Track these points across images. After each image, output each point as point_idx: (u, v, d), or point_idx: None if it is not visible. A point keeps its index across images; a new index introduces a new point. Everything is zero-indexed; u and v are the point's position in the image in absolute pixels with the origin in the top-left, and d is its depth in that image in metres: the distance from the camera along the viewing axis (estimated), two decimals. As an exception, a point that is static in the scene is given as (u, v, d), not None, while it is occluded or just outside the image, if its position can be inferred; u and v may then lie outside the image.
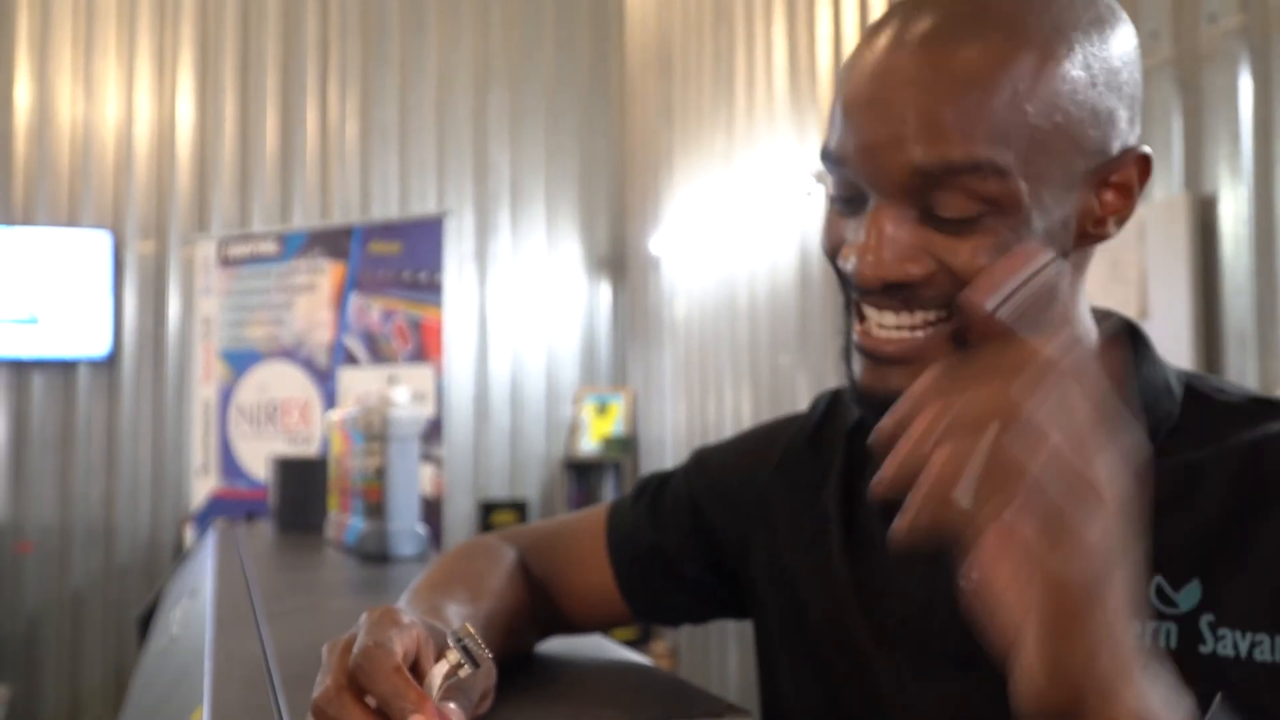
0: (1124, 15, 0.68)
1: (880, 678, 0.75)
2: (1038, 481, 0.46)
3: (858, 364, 0.69)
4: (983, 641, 0.69)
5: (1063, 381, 0.48)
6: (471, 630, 0.61)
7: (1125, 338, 0.73)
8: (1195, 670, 0.63)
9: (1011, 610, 0.47)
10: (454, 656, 0.60)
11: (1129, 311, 2.08)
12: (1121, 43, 0.66)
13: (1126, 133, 0.66)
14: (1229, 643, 0.63)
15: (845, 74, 0.68)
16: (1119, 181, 0.67)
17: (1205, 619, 0.64)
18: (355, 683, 0.59)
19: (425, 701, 0.57)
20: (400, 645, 0.60)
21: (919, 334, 0.65)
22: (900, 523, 0.48)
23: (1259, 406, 0.70)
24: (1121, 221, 0.68)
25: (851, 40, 3.27)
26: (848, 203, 0.68)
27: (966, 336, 0.53)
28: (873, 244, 0.64)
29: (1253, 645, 0.62)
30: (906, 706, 0.73)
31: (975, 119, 0.61)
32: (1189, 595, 0.65)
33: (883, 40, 0.65)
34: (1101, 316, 0.75)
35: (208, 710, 0.72)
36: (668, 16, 4.73)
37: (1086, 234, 0.67)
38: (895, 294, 0.65)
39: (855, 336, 0.68)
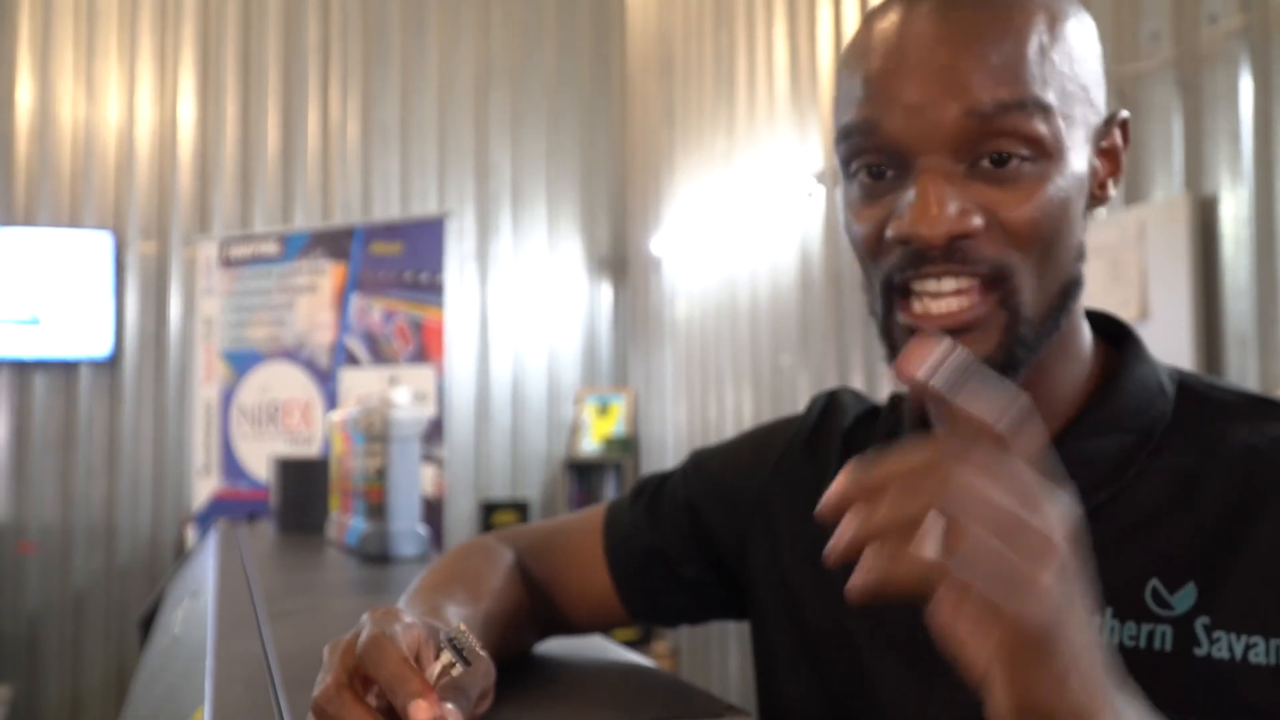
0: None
1: (879, 679, 0.75)
2: (983, 534, 0.47)
3: None
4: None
5: (1001, 443, 0.50)
6: (464, 629, 0.61)
7: (1118, 339, 0.74)
8: (1191, 673, 0.63)
9: (975, 658, 0.48)
10: (446, 656, 0.60)
11: (1129, 312, 2.08)
12: (1090, 25, 0.71)
13: (1104, 105, 0.71)
14: (1224, 645, 0.63)
15: (858, 51, 0.68)
16: (1109, 147, 0.70)
17: (1200, 621, 0.64)
18: (357, 681, 0.59)
19: (429, 689, 0.57)
20: (404, 639, 0.60)
21: (976, 299, 0.65)
22: (856, 580, 0.50)
23: (1255, 405, 0.70)
24: (1116, 183, 0.71)
25: (852, 41, 3.27)
26: (878, 176, 0.67)
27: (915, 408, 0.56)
28: (932, 200, 0.64)
29: (1247, 648, 0.62)
30: (905, 707, 0.73)
31: (1017, 61, 0.64)
32: (1185, 598, 0.65)
33: (894, 17, 0.67)
34: (1095, 317, 0.76)
35: (209, 710, 0.72)
36: (669, 17, 4.73)
37: (1094, 196, 0.70)
38: (953, 253, 0.64)
39: (904, 320, 0.67)
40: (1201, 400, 0.71)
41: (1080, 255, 0.69)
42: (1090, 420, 0.70)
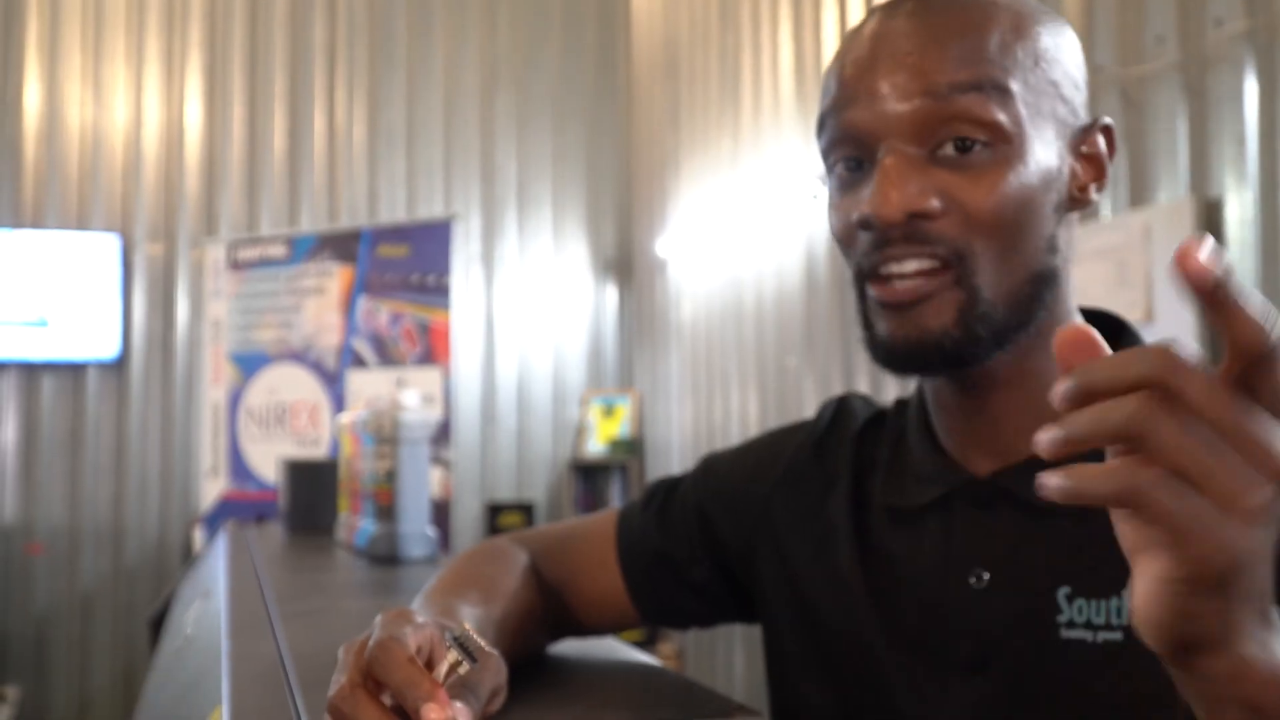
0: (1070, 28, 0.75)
1: (895, 682, 0.76)
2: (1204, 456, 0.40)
3: (881, 323, 0.71)
4: (998, 643, 0.70)
5: (1267, 358, 0.42)
6: (469, 629, 0.62)
7: (1115, 333, 0.76)
8: None
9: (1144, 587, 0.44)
10: (453, 654, 0.61)
11: (1135, 315, 2.09)
12: (1071, 41, 0.73)
13: (1085, 111, 0.73)
14: None
15: (837, 56, 0.74)
16: (1091, 153, 0.72)
17: None
18: (370, 682, 0.60)
19: (438, 690, 0.58)
20: (414, 640, 0.61)
21: (935, 278, 0.68)
22: (1056, 480, 0.42)
23: None
24: (1100, 189, 0.73)
25: (858, 44, 3.27)
26: (853, 168, 0.71)
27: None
28: (888, 182, 0.67)
29: None
30: (922, 710, 0.74)
31: (975, 49, 0.67)
32: None
33: (870, 22, 0.72)
34: (1090, 315, 0.77)
35: (227, 711, 0.73)
36: (674, 20, 4.74)
37: (1073, 198, 0.72)
38: (914, 233, 0.67)
39: (876, 295, 0.70)
40: None
41: (1052, 248, 0.70)
42: None
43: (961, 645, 0.72)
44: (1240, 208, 1.97)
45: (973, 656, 0.71)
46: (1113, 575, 0.66)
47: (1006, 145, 0.67)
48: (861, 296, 0.72)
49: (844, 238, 0.72)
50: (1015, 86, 0.67)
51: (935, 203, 0.67)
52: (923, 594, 0.75)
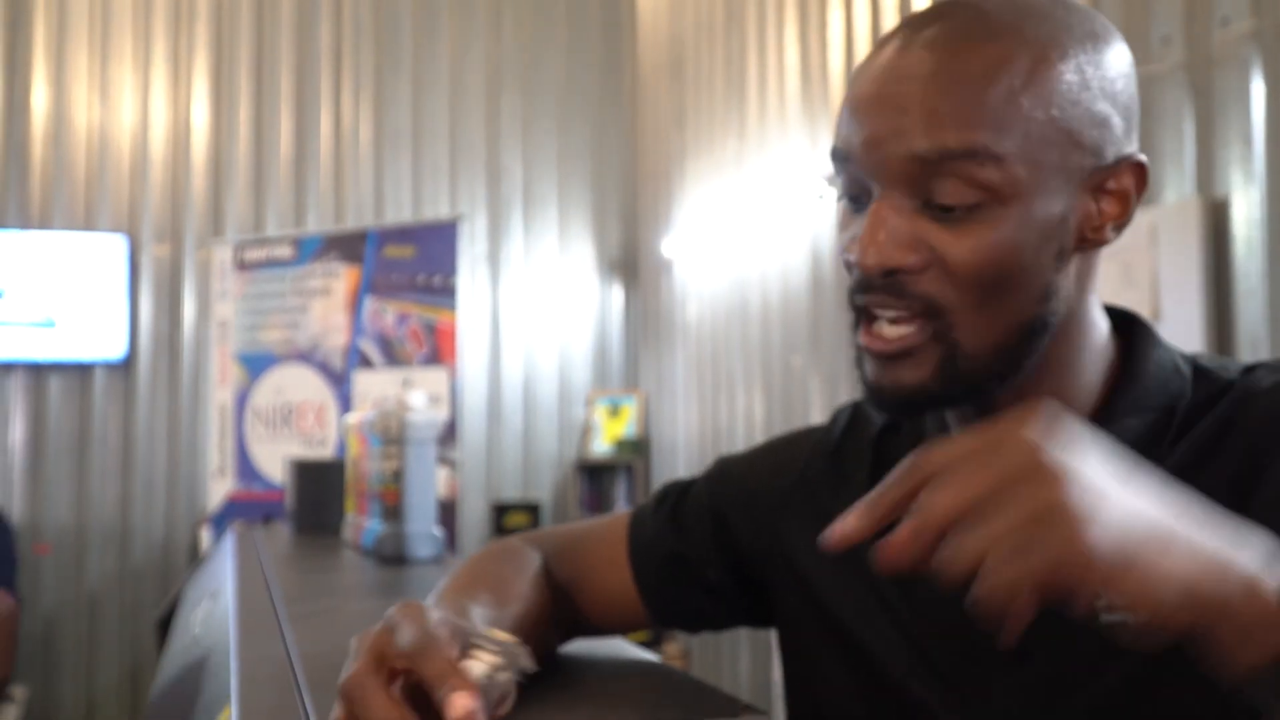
0: (1119, 35, 0.71)
1: (931, 681, 0.76)
2: (1005, 522, 0.50)
3: (868, 367, 0.72)
4: (1039, 633, 0.71)
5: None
6: (516, 641, 0.63)
7: (1130, 329, 0.76)
8: None
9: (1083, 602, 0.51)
10: (492, 659, 0.62)
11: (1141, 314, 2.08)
12: (1116, 56, 0.69)
13: (1123, 141, 0.69)
14: None
15: (854, 79, 0.72)
16: (1116, 189, 0.69)
17: None
18: (383, 670, 0.61)
19: (472, 686, 0.59)
20: (447, 634, 0.63)
21: (914, 330, 0.69)
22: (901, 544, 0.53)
23: (1257, 368, 0.72)
24: (1120, 229, 0.70)
25: (863, 43, 3.27)
26: (855, 201, 0.71)
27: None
28: (872, 232, 0.67)
29: None
30: (964, 707, 0.74)
31: (972, 109, 0.65)
32: None
33: (890, 48, 0.69)
34: (1107, 311, 0.77)
35: (236, 711, 0.73)
36: (679, 20, 4.74)
37: (1086, 239, 0.70)
38: (892, 286, 0.68)
39: (862, 340, 0.71)
40: (1213, 378, 0.73)
41: (1047, 297, 0.69)
42: (1115, 406, 0.72)
43: (987, 646, 0.72)
44: (1247, 207, 1.96)
45: (999, 657, 0.71)
46: None
47: (998, 205, 0.65)
48: (854, 327, 0.74)
49: (843, 265, 0.73)
50: (1013, 147, 0.64)
51: (914, 258, 0.67)
52: (945, 596, 0.75)
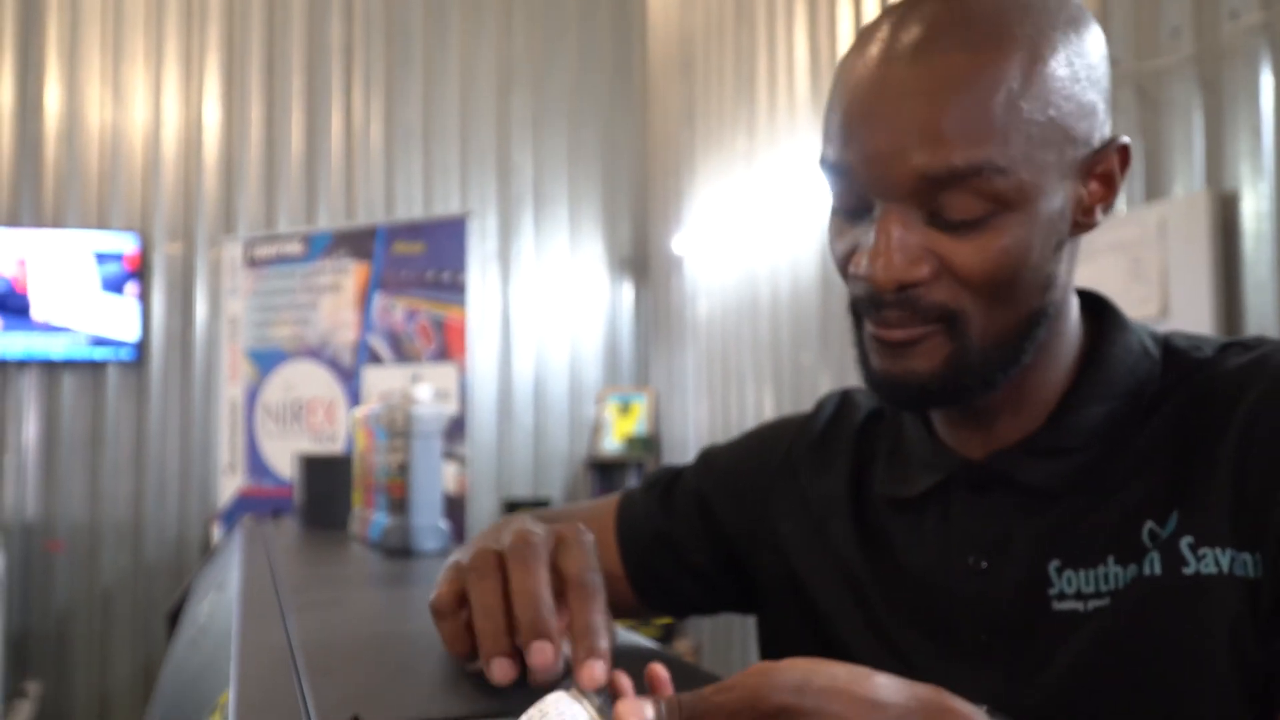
0: (1091, 16, 0.71)
1: (898, 669, 0.76)
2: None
3: (875, 356, 0.72)
4: (999, 623, 0.71)
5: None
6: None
7: (1098, 311, 0.76)
8: (1181, 593, 0.64)
9: None
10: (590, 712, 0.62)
11: (1150, 309, 2.08)
12: (1095, 40, 0.69)
13: (1104, 124, 0.69)
14: (1210, 560, 0.64)
15: (840, 85, 0.70)
16: (1103, 172, 0.69)
17: (1185, 541, 0.65)
18: (464, 599, 0.63)
19: (557, 640, 0.60)
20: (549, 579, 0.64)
21: (925, 331, 0.69)
22: None
23: (1229, 347, 0.72)
24: (1107, 210, 0.70)
25: (872, 39, 3.27)
26: (851, 212, 0.70)
27: None
28: (884, 248, 0.66)
29: (1233, 561, 0.64)
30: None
31: (974, 123, 0.63)
32: (1170, 524, 0.67)
33: (875, 51, 0.67)
34: (1080, 294, 0.77)
35: (234, 694, 0.74)
36: (689, 17, 4.74)
37: (1077, 223, 0.70)
38: (905, 301, 0.67)
39: (870, 329, 0.71)
40: (1185, 358, 0.72)
41: (1049, 286, 0.69)
42: (1081, 391, 0.72)
43: (964, 628, 0.73)
44: (1256, 200, 1.95)
45: (976, 639, 0.72)
46: (1098, 544, 0.68)
47: (1007, 211, 0.65)
48: (858, 326, 0.73)
49: (841, 269, 0.72)
50: (1017, 155, 0.64)
51: (925, 270, 0.66)
52: (924, 579, 0.76)
